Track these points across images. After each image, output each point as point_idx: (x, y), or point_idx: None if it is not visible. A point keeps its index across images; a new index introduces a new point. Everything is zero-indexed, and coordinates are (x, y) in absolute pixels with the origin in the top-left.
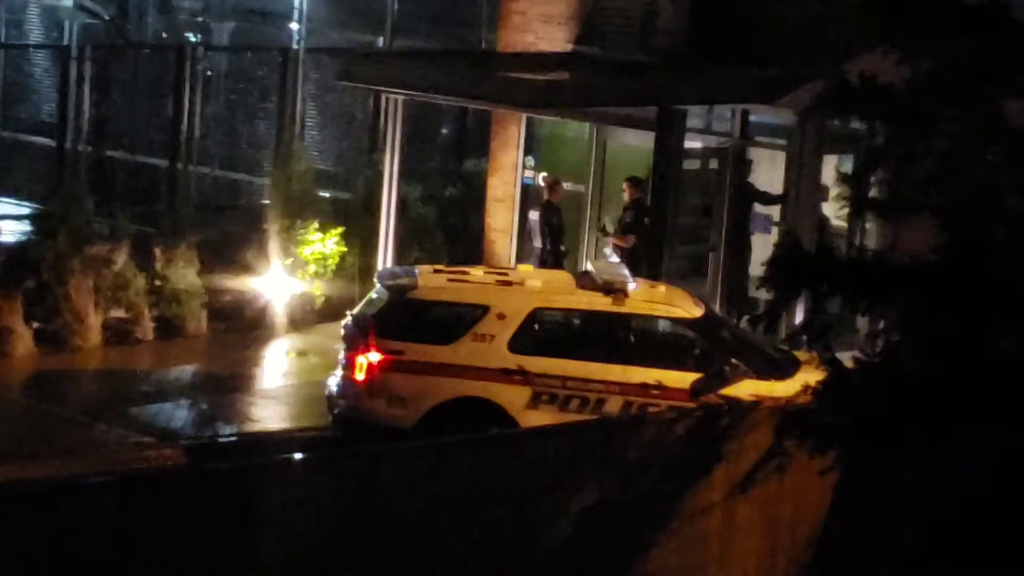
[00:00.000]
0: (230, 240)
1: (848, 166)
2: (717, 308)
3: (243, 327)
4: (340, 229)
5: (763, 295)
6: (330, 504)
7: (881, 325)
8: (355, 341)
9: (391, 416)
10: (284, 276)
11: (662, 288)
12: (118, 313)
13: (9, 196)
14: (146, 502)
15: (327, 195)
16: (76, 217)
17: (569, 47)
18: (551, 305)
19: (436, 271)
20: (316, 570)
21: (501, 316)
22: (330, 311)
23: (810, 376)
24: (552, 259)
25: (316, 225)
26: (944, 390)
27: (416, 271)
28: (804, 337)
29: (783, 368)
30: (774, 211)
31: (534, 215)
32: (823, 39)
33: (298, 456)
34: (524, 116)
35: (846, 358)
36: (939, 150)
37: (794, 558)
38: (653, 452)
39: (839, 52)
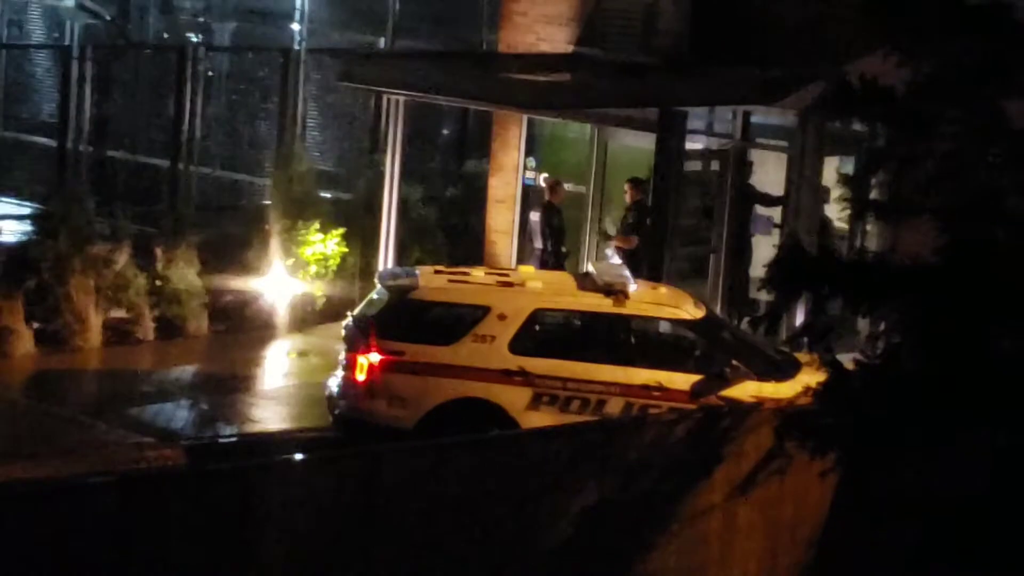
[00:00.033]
0: (231, 240)
1: (849, 168)
2: (718, 309)
3: (244, 327)
4: (341, 230)
5: (764, 297)
6: (330, 504)
7: (882, 327)
8: (356, 342)
9: (392, 417)
10: (285, 277)
11: (663, 289)
12: (119, 313)
13: (10, 196)
14: (146, 502)
15: (328, 196)
16: (77, 217)
17: (570, 48)
18: (552, 306)
19: (437, 272)
20: (316, 570)
21: (502, 317)
22: (331, 312)
23: (811, 378)
24: (553, 260)
25: (317, 226)
26: (944, 391)
27: (417, 272)
28: (805, 339)
29: (784, 370)
30: (775, 213)
31: (535, 216)
32: (823, 39)
33: (298, 457)
34: (525, 117)
35: (847, 360)
36: (940, 152)
37: (795, 559)
38: (654, 453)
39: (839, 53)
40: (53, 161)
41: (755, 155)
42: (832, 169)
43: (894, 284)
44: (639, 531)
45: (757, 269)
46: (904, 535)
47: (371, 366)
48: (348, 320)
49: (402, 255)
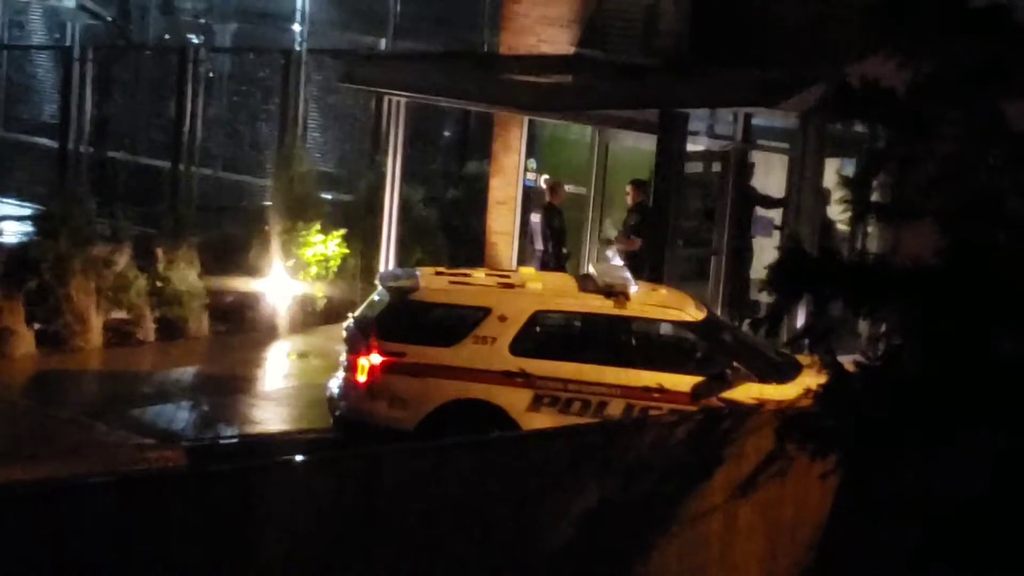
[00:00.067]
0: (232, 242)
1: (850, 170)
2: (719, 311)
3: (244, 329)
4: (342, 231)
5: (765, 298)
6: (330, 506)
7: (883, 328)
8: (356, 343)
9: (392, 418)
10: (286, 278)
11: (664, 291)
12: (119, 314)
13: (11, 197)
14: (147, 503)
15: (329, 197)
16: (78, 218)
17: (571, 49)
18: (553, 308)
19: (438, 273)
20: (316, 571)
21: (502, 318)
22: (332, 313)
23: (811, 380)
24: (554, 261)
25: (318, 227)
26: (945, 392)
27: (418, 273)
28: (806, 340)
29: (785, 371)
30: (776, 215)
31: (536, 217)
32: (824, 40)
33: (299, 458)
34: (526, 119)
35: (848, 361)
36: (940, 153)
37: (795, 560)
38: (654, 455)
39: (840, 53)
40: (54, 162)
41: (760, 157)
42: (833, 171)
43: (895, 286)
44: (640, 533)
45: (758, 271)
46: (904, 536)
47: (372, 367)
48: (349, 321)
49: (403, 256)
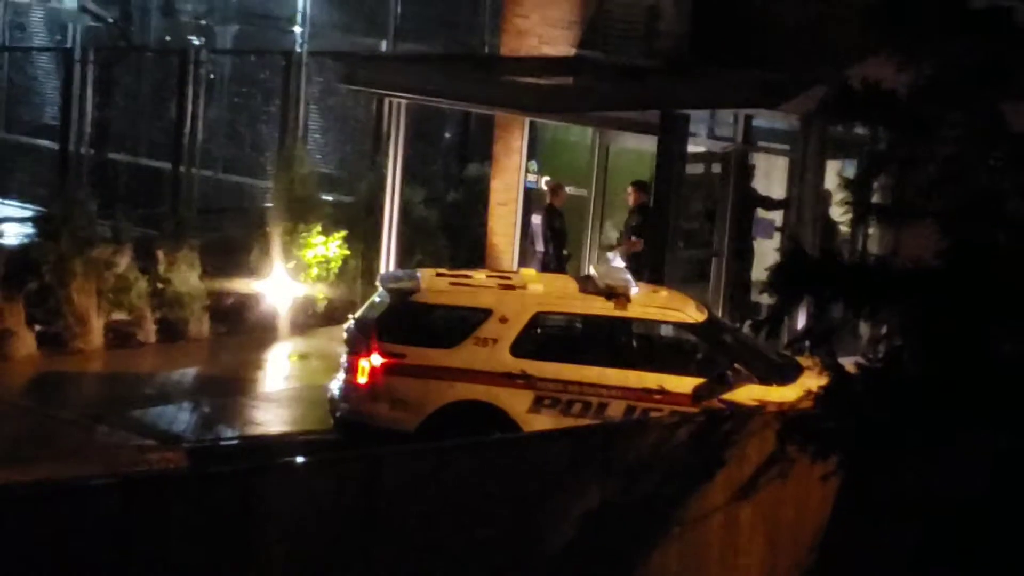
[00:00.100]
0: (233, 243)
1: (851, 171)
2: (719, 313)
3: (245, 330)
4: (343, 232)
5: (765, 300)
6: (331, 507)
7: (883, 330)
8: (357, 344)
9: (393, 420)
10: (287, 279)
11: (664, 293)
12: (120, 316)
13: (12, 199)
14: (147, 504)
15: (330, 198)
16: (79, 220)
17: (572, 51)
18: (553, 309)
19: (438, 275)
20: (316, 572)
21: (503, 320)
22: (332, 314)
23: (812, 381)
24: (554, 263)
25: (319, 228)
26: (945, 393)
27: (418, 274)
28: (806, 342)
29: (785, 373)
30: (777, 216)
31: (536, 219)
32: (824, 41)
33: (299, 459)
34: (527, 120)
35: (849, 363)
36: (941, 155)
37: (796, 562)
38: (655, 456)
39: (840, 54)
40: (55, 164)
41: (761, 159)
42: (834, 173)
43: (896, 287)
44: (640, 534)
45: (759, 272)
46: (905, 537)
47: (372, 369)
48: (350, 323)
49: (404, 258)
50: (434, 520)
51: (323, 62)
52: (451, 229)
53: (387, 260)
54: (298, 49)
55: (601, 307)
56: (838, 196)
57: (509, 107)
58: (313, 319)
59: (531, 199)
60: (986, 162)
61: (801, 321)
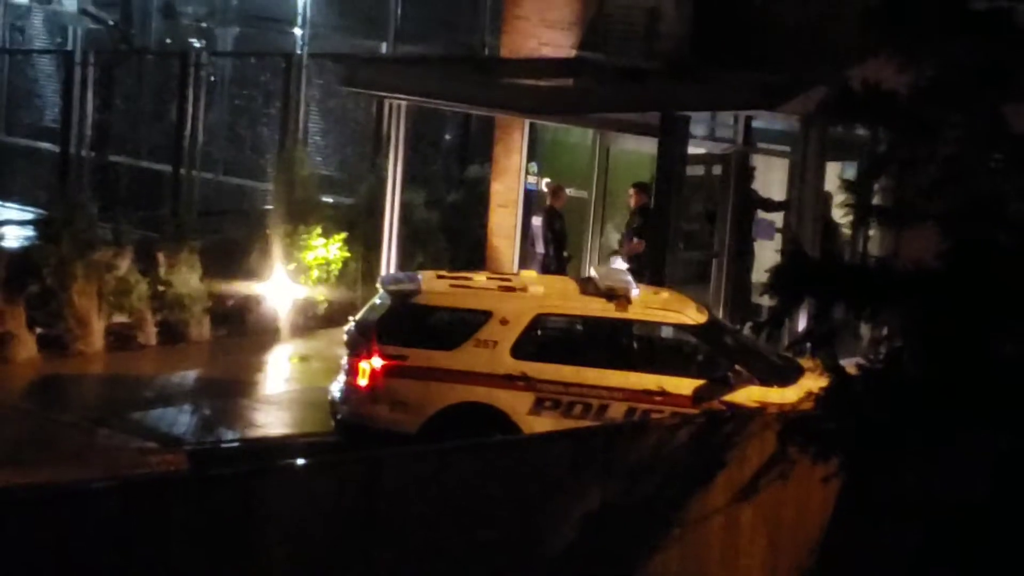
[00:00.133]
0: (233, 245)
1: (851, 173)
2: (720, 314)
3: (246, 332)
4: (343, 234)
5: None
6: (331, 509)
7: (884, 331)
8: (358, 346)
9: (394, 422)
10: (287, 281)
11: (665, 294)
12: (121, 318)
13: (13, 201)
14: (148, 507)
15: (330, 200)
16: (79, 222)
17: (572, 53)
18: (554, 311)
19: (439, 276)
20: (317, 574)
21: (504, 322)
22: (333, 316)
23: (813, 383)
24: (555, 265)
25: (319, 230)
26: (946, 394)
27: (419, 276)
28: (807, 343)
29: (786, 375)
30: (777, 218)
31: (537, 221)
32: (825, 43)
33: (300, 461)
34: (527, 122)
35: (850, 364)
36: (942, 156)
37: (797, 563)
38: (656, 458)
39: (841, 56)
40: (56, 166)
41: (761, 160)
42: (835, 174)
43: (896, 288)
44: (641, 535)
45: (759, 274)
46: (906, 538)
47: (373, 371)
48: (350, 325)
49: (404, 260)
50: (435, 522)
51: (323, 64)
52: (451, 231)
53: (387, 262)
54: (298, 51)
55: (602, 309)
56: (839, 198)
57: (509, 109)
58: (313, 321)
59: (531, 201)
60: (987, 163)
61: (802, 323)
